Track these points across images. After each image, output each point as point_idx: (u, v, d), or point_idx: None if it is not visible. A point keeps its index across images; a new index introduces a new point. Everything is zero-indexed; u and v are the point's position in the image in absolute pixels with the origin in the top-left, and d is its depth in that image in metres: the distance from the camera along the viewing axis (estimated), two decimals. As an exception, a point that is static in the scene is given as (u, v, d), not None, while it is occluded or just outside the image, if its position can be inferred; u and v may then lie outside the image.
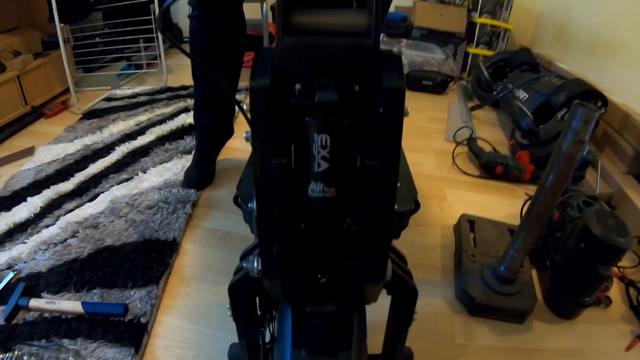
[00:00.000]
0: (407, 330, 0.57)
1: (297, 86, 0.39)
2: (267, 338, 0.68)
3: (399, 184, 0.81)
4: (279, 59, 0.38)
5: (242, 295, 0.55)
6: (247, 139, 0.42)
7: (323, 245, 0.45)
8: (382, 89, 0.37)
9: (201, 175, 1.44)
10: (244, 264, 0.49)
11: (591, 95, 1.61)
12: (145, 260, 1.10)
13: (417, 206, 0.76)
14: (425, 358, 0.95)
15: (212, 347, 0.94)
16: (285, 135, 0.40)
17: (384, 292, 0.55)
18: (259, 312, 0.65)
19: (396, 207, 0.73)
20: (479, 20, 2.51)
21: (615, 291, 1.17)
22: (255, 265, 0.47)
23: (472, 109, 2.21)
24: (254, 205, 0.46)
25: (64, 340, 0.91)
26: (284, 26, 0.38)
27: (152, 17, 2.09)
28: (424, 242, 1.29)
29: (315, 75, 0.39)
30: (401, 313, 0.56)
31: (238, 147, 1.68)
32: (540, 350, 0.99)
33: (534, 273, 1.17)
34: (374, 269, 0.45)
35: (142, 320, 0.96)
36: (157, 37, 2.17)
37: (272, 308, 0.68)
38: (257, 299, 0.62)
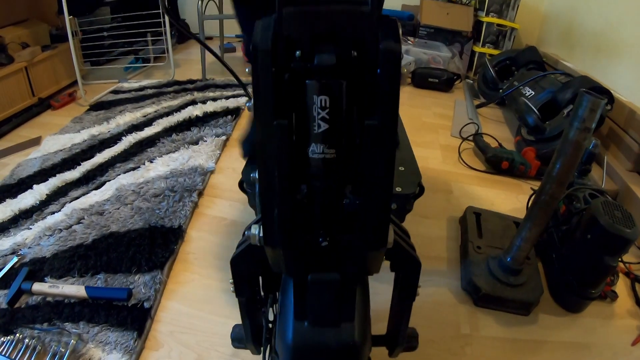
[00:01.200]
0: (411, 306, 0.56)
1: (298, 53, 0.40)
2: (270, 319, 0.68)
3: (403, 169, 0.81)
4: (279, 28, 0.39)
5: (245, 268, 0.54)
6: (249, 109, 0.42)
7: (324, 208, 0.45)
8: (380, 50, 0.38)
9: None
10: (246, 232, 0.48)
11: (597, 92, 1.59)
12: (150, 246, 1.10)
13: (422, 190, 0.76)
14: (431, 348, 0.94)
15: (215, 332, 0.93)
16: (287, 99, 0.41)
17: (387, 270, 0.54)
18: (262, 293, 0.65)
19: (401, 189, 0.74)
20: (486, 19, 2.50)
21: (621, 287, 1.16)
22: (257, 232, 0.46)
23: (479, 106, 2.20)
24: (256, 175, 0.46)
25: (67, 324, 0.91)
26: None
27: (160, 10, 2.10)
28: (429, 234, 1.28)
29: (315, 41, 0.39)
30: (405, 287, 0.55)
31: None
32: (545, 343, 0.98)
33: (540, 266, 1.16)
34: (375, 234, 0.44)
35: (146, 305, 0.96)
36: (165, 32, 2.18)
37: (274, 289, 0.68)
38: (260, 279, 0.62)
